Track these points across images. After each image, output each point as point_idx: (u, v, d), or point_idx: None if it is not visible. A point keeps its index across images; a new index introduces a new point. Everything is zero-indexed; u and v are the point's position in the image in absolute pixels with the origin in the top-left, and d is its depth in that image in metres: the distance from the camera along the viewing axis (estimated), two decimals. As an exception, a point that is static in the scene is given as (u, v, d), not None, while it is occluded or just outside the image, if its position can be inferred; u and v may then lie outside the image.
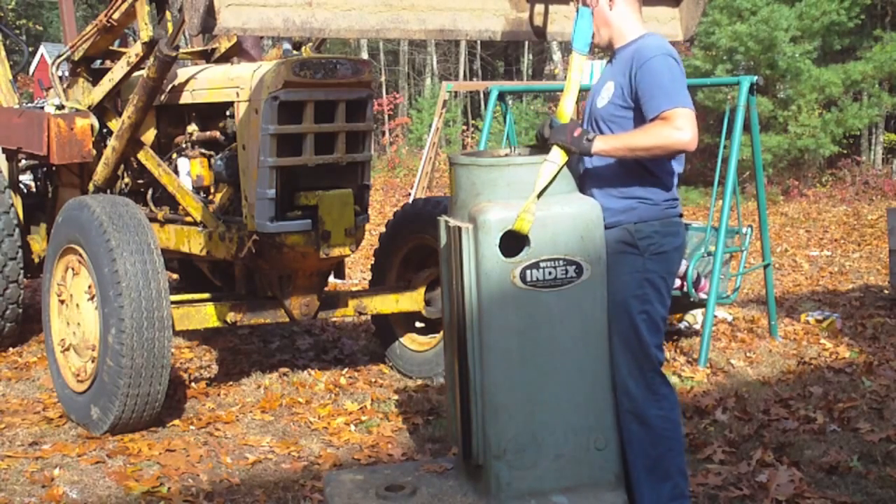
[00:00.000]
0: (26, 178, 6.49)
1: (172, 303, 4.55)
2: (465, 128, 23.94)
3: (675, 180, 3.25)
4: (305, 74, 4.38)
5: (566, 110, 3.24)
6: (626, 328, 3.17)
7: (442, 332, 4.19)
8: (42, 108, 5.90)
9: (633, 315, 3.15)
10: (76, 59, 5.51)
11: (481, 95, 23.47)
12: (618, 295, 3.17)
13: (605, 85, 3.23)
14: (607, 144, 3.13)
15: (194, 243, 5.01)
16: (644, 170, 3.15)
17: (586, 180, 3.25)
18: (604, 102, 3.20)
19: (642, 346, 3.16)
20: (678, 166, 3.23)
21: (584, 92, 4.18)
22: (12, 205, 5.77)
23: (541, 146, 3.26)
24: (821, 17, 16.07)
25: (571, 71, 3.29)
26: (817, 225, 13.15)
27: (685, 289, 5.70)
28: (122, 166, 5.44)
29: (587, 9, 3.30)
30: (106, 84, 5.31)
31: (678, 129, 3.02)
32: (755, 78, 6.02)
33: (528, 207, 3.05)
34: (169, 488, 3.79)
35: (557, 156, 3.14)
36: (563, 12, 3.68)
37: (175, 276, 6.88)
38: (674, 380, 5.20)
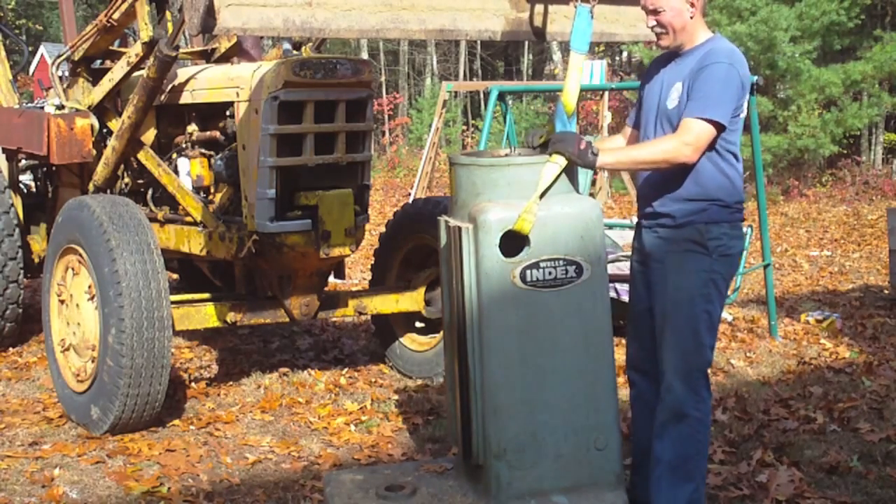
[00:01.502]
0: (26, 178, 6.49)
1: (172, 303, 4.55)
2: (465, 128, 23.94)
3: (742, 183, 3.30)
4: (305, 74, 4.38)
5: (571, 101, 3.28)
6: (683, 326, 3.20)
7: (442, 332, 4.19)
8: (42, 108, 5.89)
9: (697, 313, 3.19)
10: (76, 59, 5.51)
11: (481, 95, 23.48)
12: (680, 293, 3.20)
13: (674, 85, 3.23)
14: (613, 158, 3.24)
15: (194, 243, 5.01)
16: (719, 172, 3.19)
17: (659, 182, 3.27)
18: (674, 104, 3.22)
19: (697, 346, 3.21)
20: (740, 165, 3.27)
21: (583, 91, 4.18)
22: (12, 205, 5.77)
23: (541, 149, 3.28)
24: (821, 17, 16.06)
25: (571, 70, 3.30)
26: (817, 225, 13.15)
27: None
28: (122, 166, 5.43)
29: (585, 8, 3.32)
30: (106, 84, 5.30)
31: (685, 144, 3.10)
32: (755, 78, 6.01)
33: (529, 208, 3.05)
34: (169, 488, 3.79)
35: (561, 157, 3.15)
36: (563, 12, 3.68)
37: (175, 276, 6.88)
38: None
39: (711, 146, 3.17)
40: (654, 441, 3.28)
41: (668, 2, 3.20)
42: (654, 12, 3.23)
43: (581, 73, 3.34)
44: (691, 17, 3.22)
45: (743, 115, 3.24)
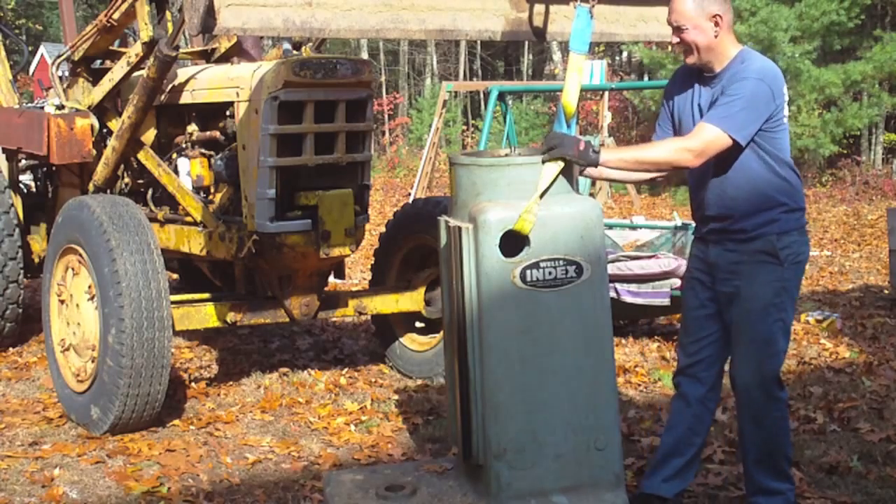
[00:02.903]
0: (26, 178, 6.49)
1: (172, 303, 4.55)
2: (465, 128, 23.94)
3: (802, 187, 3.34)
4: (305, 74, 4.38)
5: (571, 102, 3.28)
6: (759, 335, 3.25)
7: (442, 332, 4.19)
8: (42, 108, 5.89)
9: (771, 323, 3.23)
10: (76, 59, 5.51)
11: (481, 95, 23.48)
12: (754, 303, 3.23)
13: (712, 105, 3.21)
14: (615, 156, 3.22)
15: (194, 243, 5.01)
16: (778, 177, 3.20)
17: (717, 200, 3.25)
18: None
19: (772, 354, 3.27)
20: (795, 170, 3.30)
21: (583, 91, 4.18)
22: (12, 205, 5.77)
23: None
24: (821, 17, 16.08)
25: (570, 71, 3.30)
26: (817, 225, 13.14)
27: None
28: (122, 166, 5.43)
29: (585, 8, 3.32)
30: (106, 84, 5.30)
31: (688, 150, 3.11)
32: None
33: (529, 208, 3.05)
34: (169, 488, 3.79)
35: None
36: (563, 12, 3.68)
37: (175, 276, 6.88)
38: (674, 380, 5.19)
39: (765, 152, 3.16)
40: (739, 437, 3.43)
41: (690, 20, 3.15)
42: (678, 30, 3.20)
43: (581, 73, 3.33)
44: (716, 37, 3.16)
45: (787, 121, 3.23)
